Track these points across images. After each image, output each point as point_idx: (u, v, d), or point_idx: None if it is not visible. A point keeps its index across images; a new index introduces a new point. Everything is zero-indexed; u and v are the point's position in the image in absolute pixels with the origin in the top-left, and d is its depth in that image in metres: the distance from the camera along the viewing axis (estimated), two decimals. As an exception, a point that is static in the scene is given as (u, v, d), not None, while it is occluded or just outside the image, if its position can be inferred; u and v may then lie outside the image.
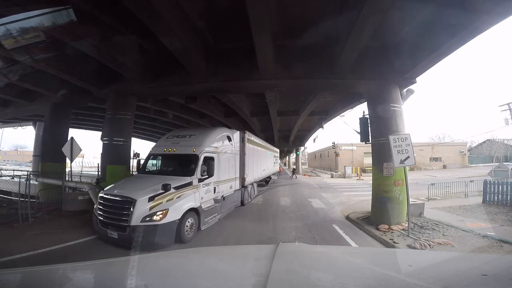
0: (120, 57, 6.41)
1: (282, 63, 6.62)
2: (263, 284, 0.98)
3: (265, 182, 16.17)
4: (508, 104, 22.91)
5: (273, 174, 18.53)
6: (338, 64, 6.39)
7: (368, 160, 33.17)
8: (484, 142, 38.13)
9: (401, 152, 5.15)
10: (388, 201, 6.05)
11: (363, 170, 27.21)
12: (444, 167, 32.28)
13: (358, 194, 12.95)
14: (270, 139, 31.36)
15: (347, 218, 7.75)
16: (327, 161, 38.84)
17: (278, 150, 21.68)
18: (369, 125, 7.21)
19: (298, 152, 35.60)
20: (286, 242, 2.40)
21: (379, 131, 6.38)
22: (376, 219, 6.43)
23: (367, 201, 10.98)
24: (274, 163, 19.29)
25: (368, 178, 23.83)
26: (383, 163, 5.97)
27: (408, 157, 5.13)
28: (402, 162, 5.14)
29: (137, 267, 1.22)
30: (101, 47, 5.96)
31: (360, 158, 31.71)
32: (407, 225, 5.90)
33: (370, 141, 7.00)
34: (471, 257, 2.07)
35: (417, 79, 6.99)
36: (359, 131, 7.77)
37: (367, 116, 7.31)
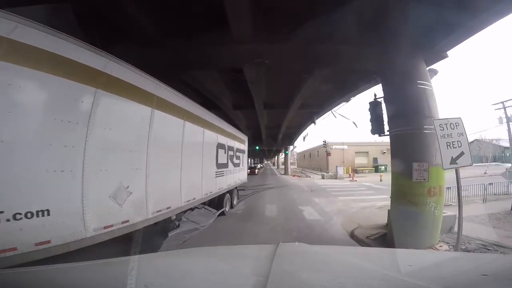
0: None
1: (263, 21, 4.64)
2: (263, 284, 0.96)
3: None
4: (502, 102, 22.27)
5: (228, 192, 7.89)
6: (344, 23, 4.50)
7: (360, 160, 32.04)
8: (472, 142, 38.02)
9: (451, 146, 3.27)
10: (419, 216, 4.20)
11: (355, 171, 25.90)
12: (435, 167, 31.55)
13: (356, 199, 11.22)
14: (257, 138, 29.79)
15: (352, 236, 5.85)
16: (317, 161, 37.46)
17: (245, 138, 10.86)
18: (383, 111, 5.35)
19: (287, 152, 34.05)
20: (286, 242, 1.87)
21: (402, 118, 4.50)
22: (397, 239, 4.56)
23: (369, 209, 9.26)
24: (236, 164, 8.79)
25: (361, 179, 22.58)
26: (412, 163, 4.07)
27: (463, 153, 3.26)
28: (454, 161, 3.26)
29: (137, 267, 1.15)
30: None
31: (352, 158, 30.42)
32: (444, 248, 4.17)
33: (387, 133, 5.13)
34: (471, 257, 2.05)
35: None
36: (354, 123, 5.91)
37: (380, 100, 5.45)
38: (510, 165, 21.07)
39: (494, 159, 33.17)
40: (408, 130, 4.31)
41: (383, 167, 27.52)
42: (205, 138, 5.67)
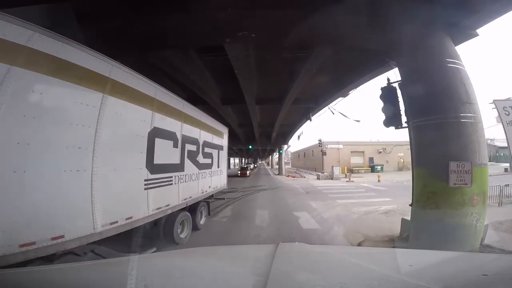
0: None
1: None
2: (263, 284, 0.96)
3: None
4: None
5: (189, 208, 5.28)
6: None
7: (355, 160, 31.27)
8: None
9: (521, 137, 2.18)
10: (455, 231, 3.19)
11: (351, 170, 25.10)
12: (431, 166, 31.11)
13: (356, 202, 10.20)
14: (250, 137, 28.64)
15: (360, 251, 4.83)
16: (312, 160, 36.67)
17: (223, 130, 8.51)
18: (399, 98, 4.32)
19: (281, 151, 33.09)
20: (286, 242, 1.93)
21: (430, 105, 3.46)
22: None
23: (373, 214, 8.22)
24: (203, 165, 6.12)
25: (358, 180, 21.65)
26: (448, 163, 3.03)
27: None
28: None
29: (137, 267, 1.12)
30: None
31: (347, 157, 29.71)
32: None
33: (405, 125, 4.09)
34: (471, 257, 2.02)
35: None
36: (357, 121, 4.87)
37: (395, 86, 4.40)
38: (508, 164, 20.62)
39: (489, 159, 33.04)
40: (440, 119, 3.28)
41: (379, 167, 26.93)
42: (107, 115, 2.92)
